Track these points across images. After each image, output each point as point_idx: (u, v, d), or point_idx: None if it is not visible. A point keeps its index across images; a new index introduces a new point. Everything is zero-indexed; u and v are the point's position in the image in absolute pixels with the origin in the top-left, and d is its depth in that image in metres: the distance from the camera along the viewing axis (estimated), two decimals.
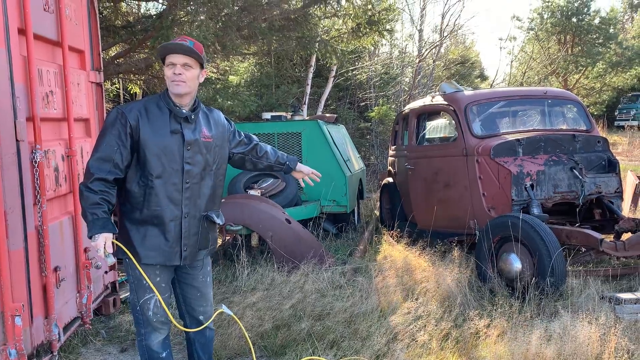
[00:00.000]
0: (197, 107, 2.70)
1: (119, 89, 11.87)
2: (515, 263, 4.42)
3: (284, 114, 8.12)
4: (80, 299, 3.66)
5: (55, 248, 3.30)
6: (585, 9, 28.84)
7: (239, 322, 3.07)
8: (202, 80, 2.69)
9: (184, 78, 2.56)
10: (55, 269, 3.29)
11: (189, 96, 2.63)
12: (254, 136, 3.01)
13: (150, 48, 7.40)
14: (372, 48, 15.12)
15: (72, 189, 3.62)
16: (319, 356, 3.46)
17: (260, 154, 2.96)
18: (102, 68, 4.34)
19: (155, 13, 8.05)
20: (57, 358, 3.31)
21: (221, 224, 2.80)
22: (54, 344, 3.21)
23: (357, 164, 8.48)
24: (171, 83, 2.57)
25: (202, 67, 2.64)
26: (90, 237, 2.46)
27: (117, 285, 4.46)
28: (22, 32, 3.04)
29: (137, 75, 8.82)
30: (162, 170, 2.57)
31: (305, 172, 3.07)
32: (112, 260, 2.48)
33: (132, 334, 4.03)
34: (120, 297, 4.48)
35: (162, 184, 2.57)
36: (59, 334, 3.25)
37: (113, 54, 8.28)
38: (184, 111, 2.62)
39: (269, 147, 3.02)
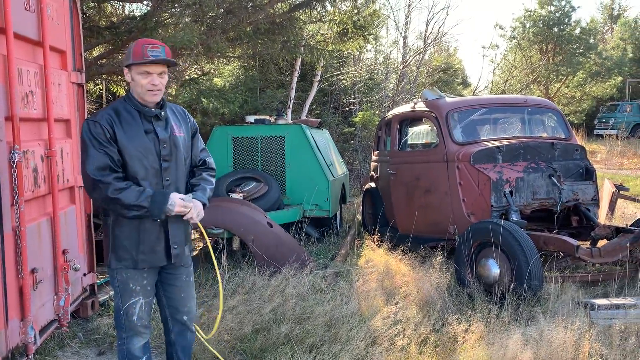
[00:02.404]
0: (163, 105, 2.71)
1: (101, 89, 11.75)
2: (493, 268, 4.47)
3: (267, 117, 8.13)
4: (57, 301, 3.61)
5: (32, 250, 3.26)
6: (567, 19, 29.40)
7: (216, 329, 3.06)
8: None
9: (160, 87, 2.60)
10: (33, 271, 3.25)
11: None
12: (210, 161, 2.94)
13: None
14: (357, 53, 15.22)
15: (51, 190, 3.58)
16: None
17: (199, 171, 2.87)
18: (84, 69, 4.30)
19: (139, 14, 8.00)
20: None
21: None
22: (29, 346, 3.17)
23: (340, 168, 8.52)
24: (147, 92, 2.58)
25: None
26: (165, 213, 2.53)
27: (96, 287, 4.42)
28: (2, 31, 3.01)
29: (120, 77, 8.74)
30: (145, 172, 2.59)
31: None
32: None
33: (110, 337, 3.99)
34: (99, 299, 4.43)
35: (147, 186, 2.58)
36: (35, 336, 3.21)
37: (96, 55, 8.20)
38: (152, 110, 2.64)
39: (205, 181, 2.85)
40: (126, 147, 2.55)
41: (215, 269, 3.06)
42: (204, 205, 2.72)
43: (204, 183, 2.81)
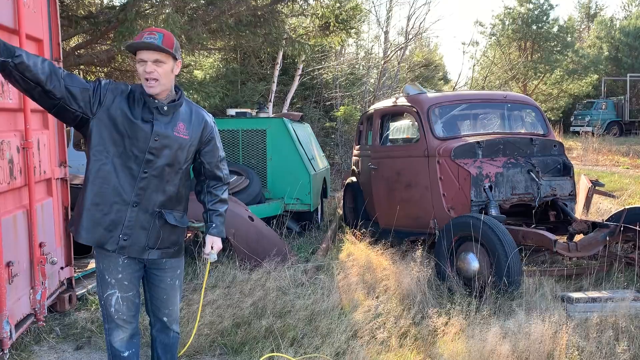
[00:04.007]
0: (176, 101, 2.61)
1: None
2: (473, 262, 4.52)
3: (249, 110, 8.08)
4: (34, 295, 3.54)
5: (8, 243, 3.19)
6: (545, 17, 29.82)
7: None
8: (177, 72, 2.59)
9: (155, 76, 2.47)
10: (8, 265, 3.18)
11: (164, 92, 2.56)
12: (225, 173, 2.87)
13: (113, 40, 7.23)
14: (339, 48, 15.21)
15: (27, 182, 3.51)
16: (280, 353, 3.47)
17: (210, 187, 2.84)
18: (62, 58, 4.21)
19: (119, 4, 7.86)
20: (8, 356, 3.20)
21: (178, 225, 2.70)
22: (4, 341, 3.11)
23: (321, 162, 8.51)
24: (144, 82, 2.49)
25: (175, 58, 2.55)
26: None
27: (74, 281, 4.35)
28: None
29: (98, 67, 8.60)
30: (123, 150, 2.52)
31: (207, 247, 2.86)
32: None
33: (88, 331, 3.94)
34: (77, 293, 4.36)
35: (120, 164, 2.52)
36: (10, 331, 3.14)
37: (74, 45, 8.05)
38: (156, 101, 2.54)
39: (223, 196, 2.87)
40: (116, 118, 2.49)
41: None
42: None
43: (220, 207, 2.86)
